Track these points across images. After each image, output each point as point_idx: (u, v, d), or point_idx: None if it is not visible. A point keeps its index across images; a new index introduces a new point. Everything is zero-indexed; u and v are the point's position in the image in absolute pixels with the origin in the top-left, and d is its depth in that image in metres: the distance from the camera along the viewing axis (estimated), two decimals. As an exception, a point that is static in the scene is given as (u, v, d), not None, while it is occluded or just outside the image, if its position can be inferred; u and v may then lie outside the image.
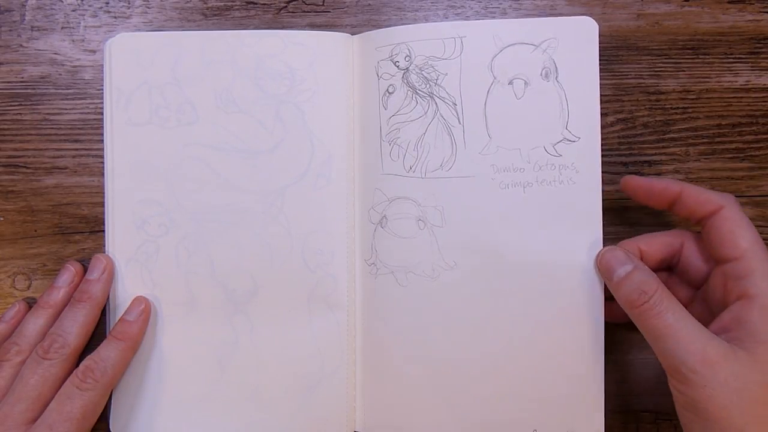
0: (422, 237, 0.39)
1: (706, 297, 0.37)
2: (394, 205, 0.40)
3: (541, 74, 0.39)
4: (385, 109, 0.40)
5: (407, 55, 0.39)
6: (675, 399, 0.34)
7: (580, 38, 0.39)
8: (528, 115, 0.39)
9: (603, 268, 0.37)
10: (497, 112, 0.39)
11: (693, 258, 0.38)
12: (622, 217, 0.42)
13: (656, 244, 0.38)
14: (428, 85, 0.39)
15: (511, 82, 0.39)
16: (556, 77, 0.39)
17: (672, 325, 0.33)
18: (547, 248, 0.39)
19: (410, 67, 0.39)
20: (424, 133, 0.39)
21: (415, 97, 0.39)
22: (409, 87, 0.39)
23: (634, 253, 0.38)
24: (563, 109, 0.39)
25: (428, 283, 0.39)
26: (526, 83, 0.39)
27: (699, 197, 0.36)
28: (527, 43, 0.39)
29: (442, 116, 0.39)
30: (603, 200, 0.39)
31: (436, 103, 0.39)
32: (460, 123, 0.39)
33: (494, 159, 0.39)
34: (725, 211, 0.35)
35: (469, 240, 0.39)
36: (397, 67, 0.39)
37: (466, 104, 0.39)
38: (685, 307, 0.37)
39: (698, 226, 0.37)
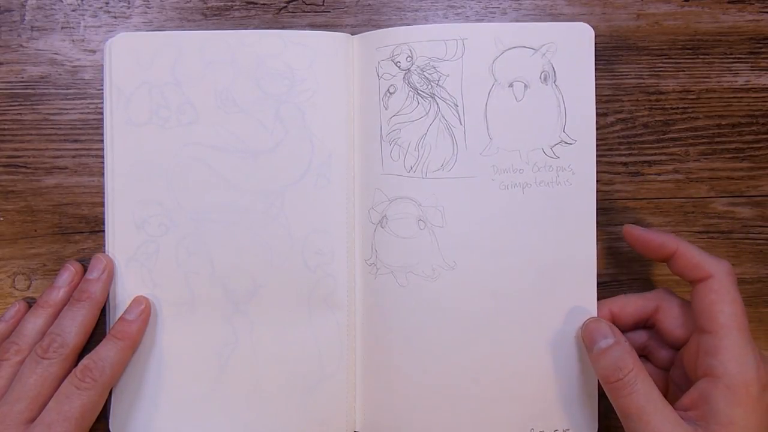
0: (422, 237, 0.39)
1: (683, 361, 0.37)
2: (395, 205, 0.40)
3: (540, 78, 0.39)
4: (386, 109, 0.40)
5: (409, 56, 0.39)
6: None
7: (577, 43, 0.39)
8: (527, 118, 0.39)
9: (586, 337, 0.38)
10: (498, 114, 0.39)
11: (668, 323, 0.38)
12: (622, 216, 0.42)
13: (629, 307, 0.39)
14: (430, 86, 0.39)
15: (511, 85, 0.39)
16: (555, 81, 0.39)
17: (642, 407, 0.33)
18: (544, 248, 0.39)
19: (412, 68, 0.39)
20: (425, 134, 0.39)
21: (417, 98, 0.39)
22: (411, 87, 0.39)
23: (605, 317, 0.38)
24: (561, 113, 0.39)
25: (428, 284, 0.39)
26: (525, 86, 0.39)
27: (692, 260, 0.36)
28: (527, 47, 0.39)
29: (444, 117, 0.39)
30: (601, 200, 0.40)
31: (437, 104, 0.39)
32: (461, 124, 0.39)
33: (495, 160, 0.39)
34: (713, 281, 0.35)
35: (469, 240, 0.39)
36: (398, 67, 0.39)
37: (467, 105, 0.39)
38: (666, 370, 0.38)
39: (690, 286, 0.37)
